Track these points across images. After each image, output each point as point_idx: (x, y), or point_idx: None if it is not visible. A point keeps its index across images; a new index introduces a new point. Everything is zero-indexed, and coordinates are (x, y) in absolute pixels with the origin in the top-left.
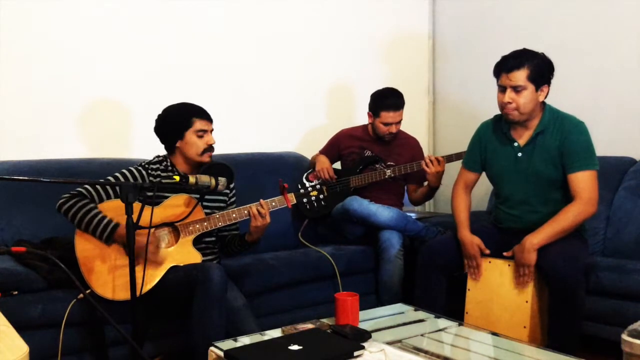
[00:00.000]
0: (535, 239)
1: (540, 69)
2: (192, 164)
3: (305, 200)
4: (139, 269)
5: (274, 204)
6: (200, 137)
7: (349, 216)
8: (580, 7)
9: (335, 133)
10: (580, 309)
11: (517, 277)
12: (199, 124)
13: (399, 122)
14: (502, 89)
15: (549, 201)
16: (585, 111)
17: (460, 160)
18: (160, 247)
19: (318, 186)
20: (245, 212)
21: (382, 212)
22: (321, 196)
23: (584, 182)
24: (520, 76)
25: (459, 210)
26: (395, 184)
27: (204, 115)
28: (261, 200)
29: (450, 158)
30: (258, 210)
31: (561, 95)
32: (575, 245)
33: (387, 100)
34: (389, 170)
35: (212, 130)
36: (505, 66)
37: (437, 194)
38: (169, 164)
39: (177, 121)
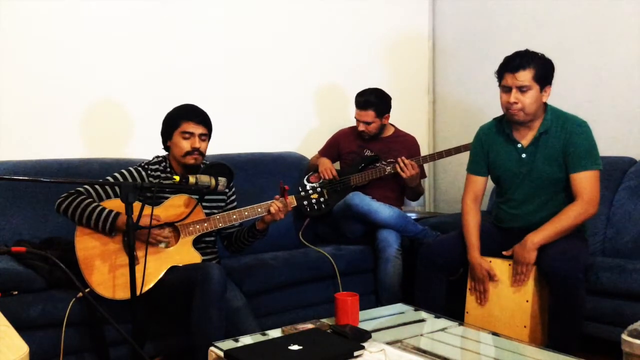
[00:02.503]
0: (536, 238)
1: (544, 69)
2: (182, 165)
3: (305, 202)
4: (138, 268)
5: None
6: (186, 139)
7: (350, 212)
8: (580, 7)
9: (334, 133)
10: (580, 308)
11: (514, 275)
12: (185, 126)
13: (368, 123)
14: (507, 89)
15: (552, 202)
16: (585, 111)
17: (461, 153)
18: (163, 230)
19: (319, 189)
20: (260, 209)
21: (383, 210)
22: (322, 199)
23: (586, 182)
24: (526, 76)
25: (469, 231)
26: (396, 182)
27: (194, 118)
28: (277, 197)
29: (449, 152)
30: (278, 207)
31: (561, 95)
32: (576, 244)
33: (357, 97)
34: (389, 167)
35: (202, 134)
36: (510, 66)
37: (438, 194)
38: (167, 164)
39: (168, 121)
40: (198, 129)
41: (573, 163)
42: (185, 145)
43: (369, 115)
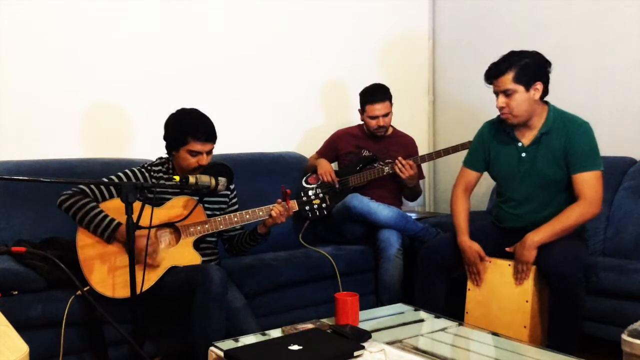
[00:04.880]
0: (537, 237)
1: (526, 68)
2: (185, 172)
3: (307, 208)
4: (138, 268)
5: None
6: (193, 156)
7: (349, 213)
8: (580, 7)
9: (332, 133)
10: (580, 308)
11: (515, 274)
12: (193, 145)
13: (386, 115)
14: (496, 94)
15: (552, 202)
16: (585, 111)
17: (457, 153)
18: (157, 252)
19: (321, 195)
20: (261, 213)
21: (382, 211)
22: (324, 205)
23: (588, 182)
24: (505, 80)
25: (458, 216)
26: (394, 182)
27: (203, 137)
28: (279, 200)
29: (447, 151)
30: (280, 211)
31: (561, 95)
32: (576, 244)
33: (370, 93)
34: (387, 167)
35: (210, 150)
36: (491, 74)
37: (437, 194)
38: (170, 166)
39: (175, 134)
40: (206, 147)
41: (575, 164)
42: (193, 162)
43: (387, 106)
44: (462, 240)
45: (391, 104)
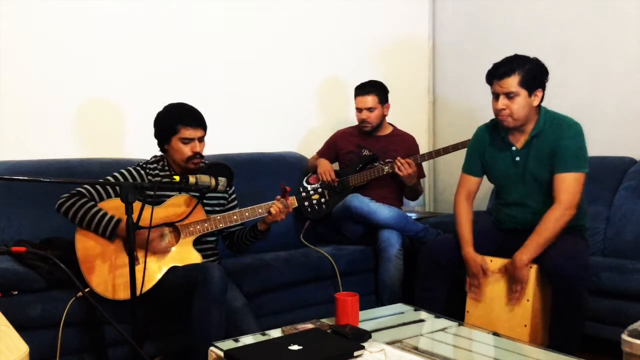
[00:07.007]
0: (525, 255)
1: (532, 73)
2: (182, 168)
3: (306, 203)
4: (138, 269)
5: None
6: (186, 144)
7: (349, 213)
8: (580, 8)
9: (332, 134)
10: (583, 307)
11: (510, 293)
12: (184, 132)
13: (370, 110)
14: (496, 96)
15: (549, 202)
16: (584, 111)
17: (457, 153)
18: (164, 236)
19: (320, 190)
20: (260, 210)
21: (383, 211)
22: (322, 200)
23: (566, 184)
24: (511, 82)
25: (462, 226)
26: (395, 182)
27: (192, 123)
28: (278, 197)
29: (447, 150)
30: (279, 208)
31: (560, 96)
32: (576, 243)
33: (358, 87)
34: (387, 167)
35: (201, 136)
36: (496, 73)
37: (437, 195)
38: (165, 163)
39: (163, 126)
40: (197, 133)
41: (558, 163)
42: (187, 150)
43: (371, 100)
44: (466, 252)
45: (380, 100)
